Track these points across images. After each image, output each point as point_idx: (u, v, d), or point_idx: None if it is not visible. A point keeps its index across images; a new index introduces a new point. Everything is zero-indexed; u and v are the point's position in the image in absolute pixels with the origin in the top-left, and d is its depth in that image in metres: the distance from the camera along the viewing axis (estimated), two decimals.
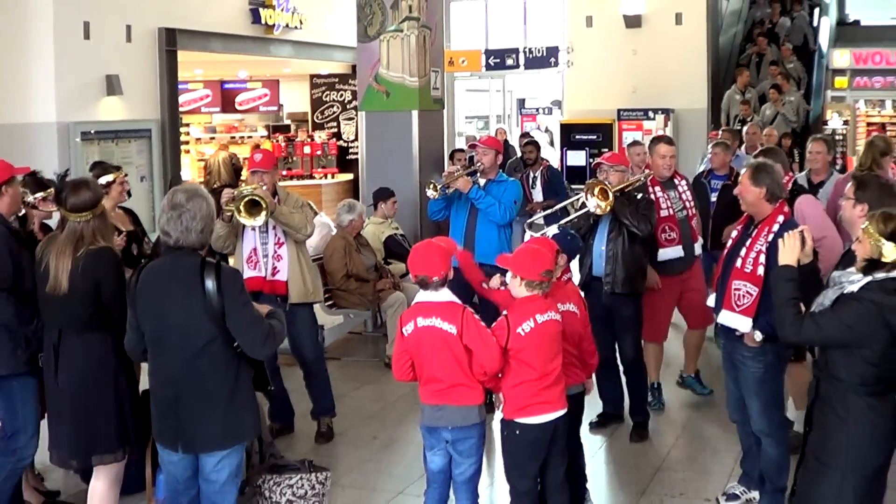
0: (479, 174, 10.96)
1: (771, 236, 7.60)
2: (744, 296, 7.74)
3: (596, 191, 9.59)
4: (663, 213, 10.42)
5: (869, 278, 5.99)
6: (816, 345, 6.26)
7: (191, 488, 6.66)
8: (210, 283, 6.22)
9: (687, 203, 10.72)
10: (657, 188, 10.48)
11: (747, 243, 7.81)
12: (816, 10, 28.98)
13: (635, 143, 12.86)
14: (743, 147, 15.46)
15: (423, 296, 7.01)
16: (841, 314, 6.00)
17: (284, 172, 24.22)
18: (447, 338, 6.84)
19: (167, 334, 6.37)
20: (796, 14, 28.14)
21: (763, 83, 23.18)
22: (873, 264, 6.02)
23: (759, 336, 7.70)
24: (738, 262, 7.80)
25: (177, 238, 6.30)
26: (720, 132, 15.30)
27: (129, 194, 9.95)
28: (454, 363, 6.87)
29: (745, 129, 17.14)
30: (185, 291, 6.28)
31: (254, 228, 9.54)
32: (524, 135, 20.66)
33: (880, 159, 10.42)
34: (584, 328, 7.91)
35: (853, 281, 6.06)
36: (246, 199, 9.11)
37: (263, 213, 9.06)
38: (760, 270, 7.62)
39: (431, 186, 10.80)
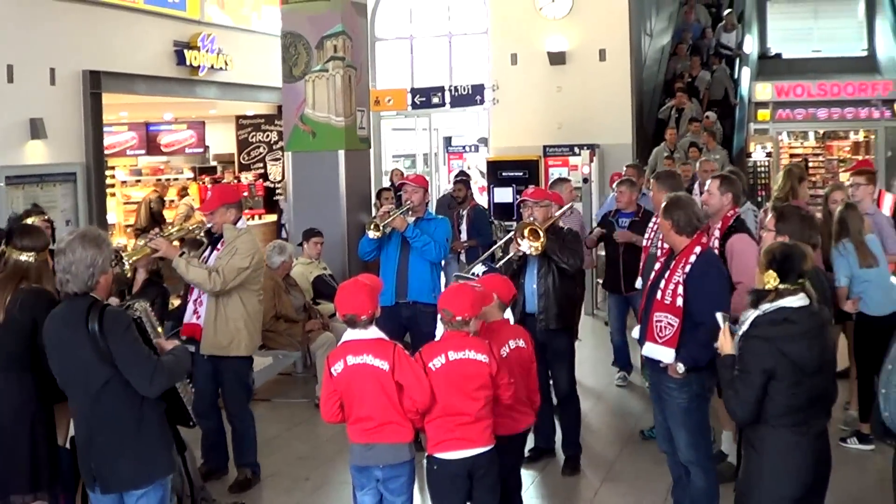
0: (409, 212, 10.98)
1: (688, 267, 7.72)
2: (665, 327, 7.82)
3: (526, 233, 9.65)
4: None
5: (758, 312, 6.18)
6: (754, 411, 6.16)
7: None
8: (94, 326, 6.24)
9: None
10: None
11: (666, 275, 7.90)
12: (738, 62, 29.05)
13: (561, 179, 12.94)
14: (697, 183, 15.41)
15: (351, 334, 7.02)
16: (742, 365, 6.19)
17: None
18: (379, 374, 6.86)
19: (70, 377, 6.41)
20: (716, 67, 27.81)
21: (683, 140, 23.06)
22: (759, 296, 6.24)
23: (681, 368, 7.78)
24: (659, 294, 7.89)
25: (66, 281, 6.36)
26: (624, 169, 15.29)
27: (53, 238, 9.89)
28: (385, 400, 6.89)
29: (698, 164, 17.16)
30: (77, 336, 6.29)
31: None
32: (460, 173, 20.76)
33: (798, 187, 10.55)
34: (531, 363, 7.97)
35: (745, 320, 6.25)
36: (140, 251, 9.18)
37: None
38: (679, 302, 7.71)
39: (373, 226, 10.77)
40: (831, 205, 11.01)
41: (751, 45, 30.00)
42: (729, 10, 30.80)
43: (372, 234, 10.78)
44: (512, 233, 9.97)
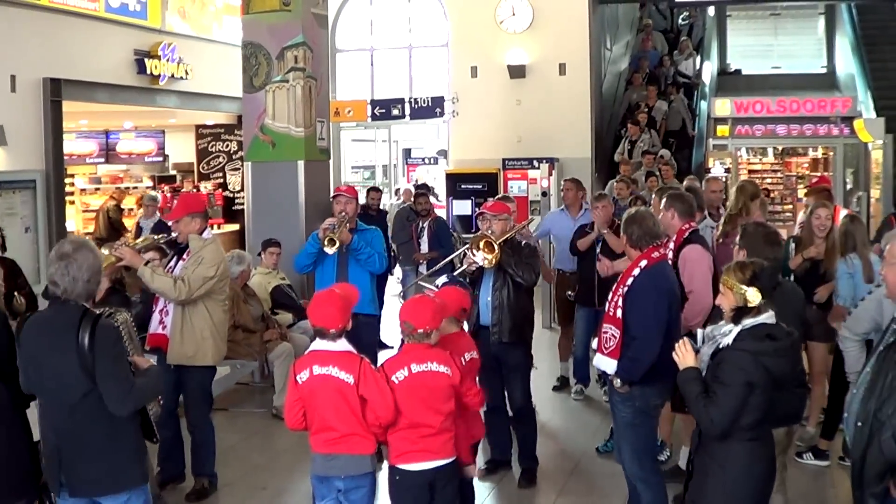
0: (346, 224, 11.02)
1: (630, 280, 7.83)
2: (609, 339, 7.91)
3: (481, 245, 9.69)
4: None
5: (739, 327, 6.26)
6: (730, 416, 6.19)
7: None
8: (84, 338, 6.25)
9: None
10: None
11: (614, 287, 7.99)
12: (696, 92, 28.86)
13: (504, 198, 12.99)
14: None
15: (319, 344, 7.03)
16: (724, 377, 6.22)
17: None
18: (343, 387, 6.87)
19: (46, 385, 6.39)
20: (673, 97, 27.21)
21: (638, 173, 22.68)
22: (740, 312, 6.31)
23: (618, 382, 7.86)
24: (606, 306, 8.00)
25: (64, 288, 6.34)
26: (562, 183, 15.24)
27: (4, 248, 9.86)
28: (348, 412, 6.89)
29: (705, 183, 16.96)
30: (61, 345, 6.29)
31: None
32: (420, 185, 20.76)
33: (750, 204, 10.59)
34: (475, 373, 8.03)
35: (725, 333, 6.35)
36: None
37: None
38: (619, 314, 7.78)
39: (329, 241, 10.75)
40: (815, 221, 11.07)
41: (709, 74, 29.87)
42: (685, 38, 30.89)
43: (331, 249, 10.76)
44: (467, 245, 10.01)
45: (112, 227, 22.33)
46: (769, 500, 6.57)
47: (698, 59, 30.25)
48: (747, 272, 6.39)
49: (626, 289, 7.83)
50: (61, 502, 6.59)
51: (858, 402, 5.78)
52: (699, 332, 6.88)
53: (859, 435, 5.69)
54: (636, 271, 7.82)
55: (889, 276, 5.94)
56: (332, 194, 11.68)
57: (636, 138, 24.69)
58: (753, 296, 6.28)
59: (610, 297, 8.00)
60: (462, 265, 10.25)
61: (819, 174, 26.82)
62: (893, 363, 5.60)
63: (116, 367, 6.40)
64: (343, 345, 7.02)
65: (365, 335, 10.73)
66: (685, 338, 6.69)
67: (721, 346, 6.37)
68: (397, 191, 27.26)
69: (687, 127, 26.77)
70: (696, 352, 6.57)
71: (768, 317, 6.35)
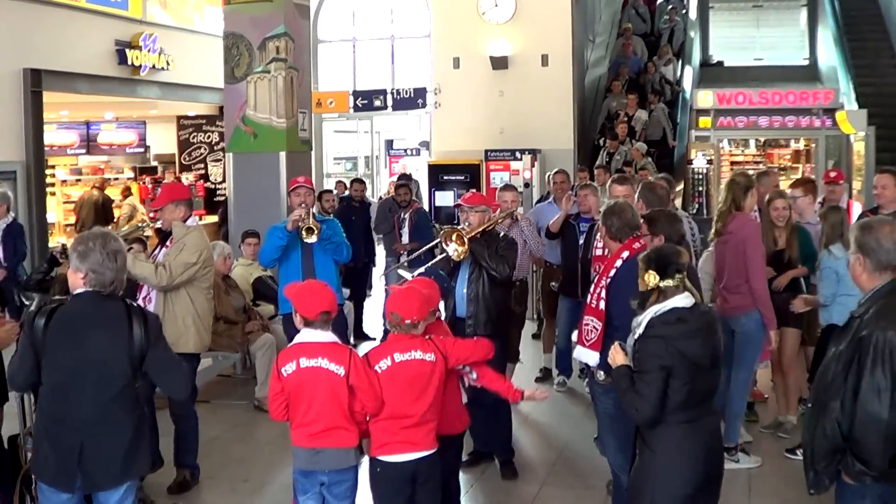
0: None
1: (612, 272, 7.80)
2: (591, 331, 7.89)
3: (453, 237, 9.67)
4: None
5: (650, 314, 6.34)
6: (657, 411, 6.23)
7: None
8: (138, 329, 6.33)
9: None
10: None
11: (595, 279, 7.97)
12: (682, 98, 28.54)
13: (508, 186, 12.92)
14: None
15: (306, 335, 6.95)
16: (641, 364, 6.31)
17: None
18: (333, 379, 6.80)
19: (80, 380, 6.31)
20: (654, 107, 26.76)
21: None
22: (643, 298, 6.44)
23: (601, 375, 7.84)
24: (588, 298, 7.96)
25: (112, 278, 6.38)
26: (553, 174, 15.17)
27: None
28: (335, 404, 6.84)
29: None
30: (110, 335, 6.33)
31: None
32: (402, 176, 20.73)
33: (742, 198, 10.50)
34: None
35: (639, 323, 6.39)
36: None
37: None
38: (602, 306, 7.76)
39: (307, 231, 10.73)
40: (773, 212, 11.07)
41: (689, 81, 29.45)
42: (665, 44, 30.40)
43: (311, 238, 10.75)
44: (440, 237, 10.00)
45: (99, 217, 22.27)
46: (717, 481, 6.59)
47: (679, 65, 29.87)
48: (644, 260, 6.49)
49: (608, 280, 7.81)
50: (54, 498, 6.47)
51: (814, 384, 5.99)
52: None
53: (809, 416, 5.87)
54: (618, 263, 7.80)
55: (852, 267, 5.96)
56: (289, 187, 11.61)
57: (614, 151, 24.54)
58: (652, 278, 6.35)
59: (592, 290, 7.97)
60: (439, 255, 10.24)
61: (801, 165, 26.94)
62: (843, 348, 5.69)
63: (170, 355, 6.63)
64: (330, 335, 6.97)
65: (335, 325, 10.74)
66: (617, 342, 6.73)
67: (636, 337, 6.43)
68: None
69: (668, 137, 26.52)
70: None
71: (681, 299, 6.36)
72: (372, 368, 6.96)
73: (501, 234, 10.25)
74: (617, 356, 6.57)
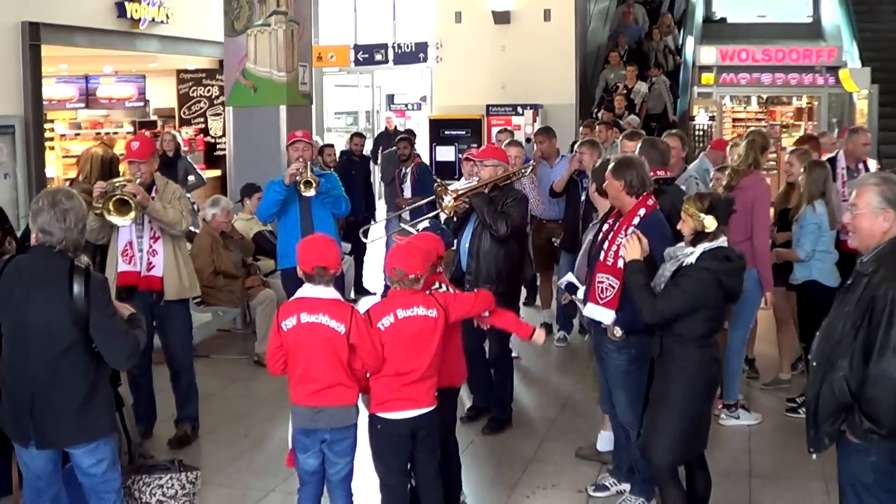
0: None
1: (630, 229, 7.67)
2: (606, 289, 7.82)
3: (444, 194, 9.67)
4: None
5: (700, 249, 7.02)
6: (669, 318, 7.04)
7: (53, 484, 6.65)
8: (77, 289, 6.20)
9: None
10: None
11: (610, 236, 7.88)
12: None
13: (513, 142, 12.84)
14: None
15: (308, 291, 6.90)
16: (685, 286, 6.96)
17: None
18: (333, 336, 6.76)
19: (26, 334, 6.28)
20: (655, 79, 25.30)
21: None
22: (699, 236, 7.07)
23: (618, 331, 7.80)
24: (602, 256, 7.87)
25: (60, 238, 6.27)
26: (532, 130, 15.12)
27: None
28: (335, 361, 6.81)
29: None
30: (50, 293, 6.22)
31: None
32: (404, 131, 20.65)
33: (760, 157, 10.44)
34: None
35: (687, 254, 7.08)
36: (114, 198, 8.90)
37: (133, 213, 8.84)
38: (621, 264, 7.68)
39: (305, 184, 10.66)
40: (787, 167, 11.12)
41: (690, 51, 28.57)
42: (665, 12, 29.31)
43: (310, 191, 10.68)
44: (435, 192, 9.98)
45: (105, 173, 22.18)
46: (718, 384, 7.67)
47: (680, 34, 28.92)
48: (705, 202, 7.09)
49: (626, 238, 7.73)
50: (24, 453, 6.52)
51: (817, 343, 5.99)
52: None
53: (813, 375, 5.92)
54: (636, 220, 7.70)
55: (861, 223, 5.87)
56: (287, 141, 11.52)
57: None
58: (710, 223, 7.01)
59: (606, 247, 7.88)
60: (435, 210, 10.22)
61: (803, 123, 26.92)
62: (851, 306, 5.70)
63: (114, 322, 6.39)
64: (332, 292, 6.92)
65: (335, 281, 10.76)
66: (637, 230, 7.47)
67: (684, 264, 7.04)
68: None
69: (668, 111, 25.44)
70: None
71: (723, 241, 7.11)
72: (374, 326, 6.92)
73: (510, 190, 10.12)
74: (635, 249, 7.25)
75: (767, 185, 10.71)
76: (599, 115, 23.32)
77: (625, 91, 24.36)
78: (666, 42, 27.75)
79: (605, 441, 9.43)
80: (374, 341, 6.86)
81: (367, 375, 7.08)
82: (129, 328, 6.47)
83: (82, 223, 6.40)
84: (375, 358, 6.89)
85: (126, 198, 8.82)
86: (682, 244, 7.23)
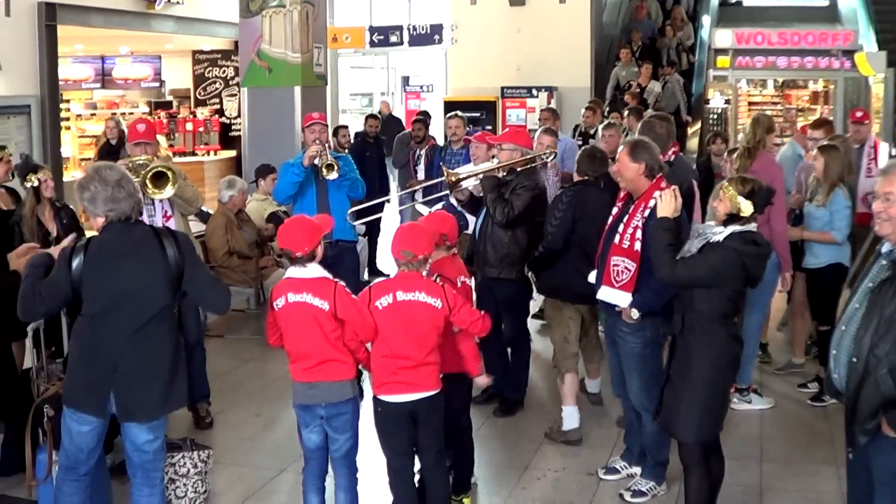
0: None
1: (647, 212, 7.68)
2: (622, 271, 7.84)
3: (451, 179, 9.73)
4: None
5: (730, 230, 7.03)
6: (685, 284, 7.09)
7: (91, 458, 6.71)
8: (171, 249, 6.43)
9: None
10: None
11: (625, 219, 7.87)
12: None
13: (548, 130, 12.84)
14: None
15: (293, 271, 6.98)
16: (709, 259, 6.99)
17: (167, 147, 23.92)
18: (318, 313, 6.84)
19: (119, 304, 6.36)
20: (668, 78, 24.25)
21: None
22: (732, 218, 7.08)
23: (635, 313, 7.80)
24: (617, 238, 7.89)
25: (130, 205, 6.44)
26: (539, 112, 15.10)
27: (12, 174, 9.77)
28: (324, 339, 6.88)
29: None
30: (143, 259, 6.41)
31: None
32: (420, 112, 20.66)
33: (765, 137, 10.45)
34: (469, 299, 8.03)
35: (716, 232, 7.08)
36: (153, 170, 8.83)
37: (169, 186, 8.76)
38: (637, 246, 7.71)
39: (327, 167, 10.59)
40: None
41: (704, 47, 27.64)
42: (675, 5, 28.19)
43: (332, 174, 10.59)
44: (444, 175, 9.98)
45: (108, 153, 22.23)
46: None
47: (691, 29, 27.66)
48: (747, 186, 7.11)
49: (643, 220, 7.73)
50: (75, 426, 6.54)
51: (850, 338, 5.75)
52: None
53: (853, 371, 5.70)
54: (652, 202, 7.66)
55: (894, 212, 5.75)
56: (304, 123, 11.45)
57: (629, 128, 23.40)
58: (747, 207, 7.04)
59: (621, 230, 7.88)
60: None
61: (819, 107, 26.84)
62: (888, 299, 5.56)
63: (207, 272, 6.80)
64: (315, 270, 6.96)
65: (348, 260, 10.78)
66: (675, 187, 7.40)
67: (711, 241, 7.03)
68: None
69: (681, 111, 24.19)
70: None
71: (753, 227, 7.12)
72: (372, 304, 6.98)
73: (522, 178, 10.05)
74: (668, 206, 7.18)
75: (779, 165, 10.71)
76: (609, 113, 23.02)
77: (638, 90, 23.60)
78: (679, 38, 26.88)
79: (569, 419, 9.47)
80: (362, 312, 6.93)
81: (368, 347, 7.17)
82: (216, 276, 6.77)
83: (135, 186, 6.60)
84: (367, 328, 6.95)
85: (162, 170, 8.76)
86: (712, 222, 7.28)
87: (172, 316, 6.55)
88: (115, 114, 24.37)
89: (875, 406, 5.56)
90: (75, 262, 6.36)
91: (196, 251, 6.72)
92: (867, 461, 5.75)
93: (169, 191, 8.73)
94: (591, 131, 16.40)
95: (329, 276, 7.01)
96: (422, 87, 31.37)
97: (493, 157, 10.07)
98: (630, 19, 28.14)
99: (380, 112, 25.41)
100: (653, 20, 27.80)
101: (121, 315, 6.35)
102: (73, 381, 6.57)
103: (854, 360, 5.68)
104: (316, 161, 10.62)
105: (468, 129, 14.30)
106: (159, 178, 8.68)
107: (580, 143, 15.47)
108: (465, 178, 9.86)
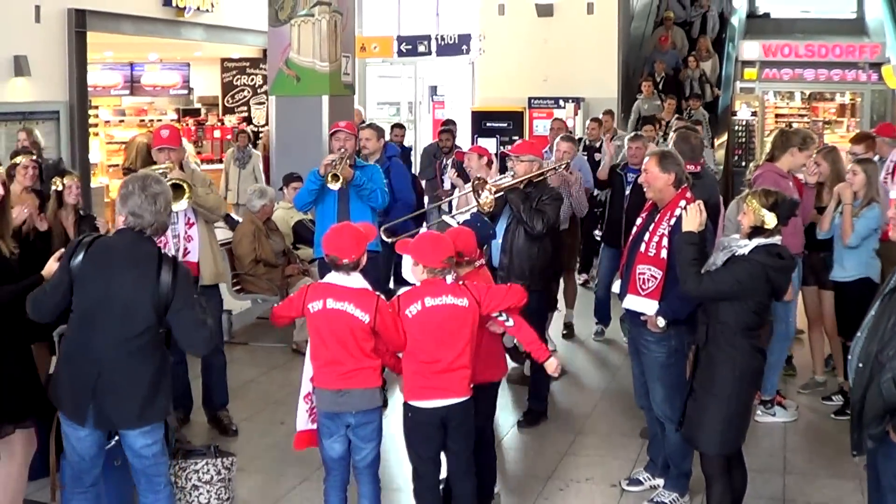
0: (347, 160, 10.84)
1: (673, 220, 7.72)
2: (648, 279, 7.87)
3: (480, 189, 9.67)
4: None
5: (755, 243, 7.09)
6: (710, 298, 7.19)
7: (95, 467, 6.74)
8: (165, 276, 6.36)
9: None
10: None
11: (651, 228, 7.91)
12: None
13: (567, 137, 12.86)
14: None
15: (335, 277, 6.97)
16: (734, 272, 7.06)
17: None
18: (357, 324, 6.83)
19: (104, 312, 6.37)
20: (694, 112, 22.44)
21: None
22: (756, 231, 7.15)
23: (661, 322, 7.81)
24: (643, 247, 7.93)
25: (151, 221, 6.43)
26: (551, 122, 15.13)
27: (41, 179, 9.83)
28: (357, 349, 6.88)
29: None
30: (137, 275, 6.36)
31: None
32: (446, 122, 20.67)
33: (778, 152, 10.33)
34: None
35: (741, 245, 7.15)
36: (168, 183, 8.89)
37: (185, 199, 8.82)
38: (664, 254, 7.75)
39: (332, 177, 10.55)
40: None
41: (730, 86, 26.61)
42: (702, 35, 27.18)
43: (335, 184, 10.53)
44: (472, 185, 9.96)
45: (151, 159, 22.31)
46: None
47: (717, 60, 26.56)
48: (770, 199, 7.17)
49: (669, 228, 7.77)
50: (72, 432, 6.57)
51: (861, 344, 5.88)
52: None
53: (859, 376, 5.83)
54: (678, 211, 7.70)
55: None
56: (329, 131, 11.45)
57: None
58: (771, 219, 7.10)
59: (647, 239, 7.92)
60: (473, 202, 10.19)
61: (846, 119, 26.78)
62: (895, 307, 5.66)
63: (196, 314, 6.53)
64: (358, 280, 6.97)
65: (371, 270, 10.76)
66: (700, 202, 7.52)
67: (736, 254, 7.12)
68: None
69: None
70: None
71: (777, 239, 7.18)
72: (402, 313, 6.99)
73: (546, 188, 10.07)
74: (693, 220, 7.31)
75: (776, 177, 10.56)
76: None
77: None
78: (703, 69, 25.60)
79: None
80: (398, 326, 6.96)
81: (400, 356, 7.20)
82: (205, 318, 6.60)
83: (170, 207, 6.61)
84: (399, 341, 7.00)
85: (179, 182, 8.82)
86: (737, 235, 7.38)
87: (158, 336, 6.51)
88: (142, 120, 24.50)
89: (879, 411, 5.65)
90: (78, 256, 6.42)
91: (192, 289, 6.69)
92: (875, 464, 5.93)
93: (183, 204, 8.81)
94: (597, 144, 16.43)
95: (370, 287, 7.04)
96: (442, 95, 31.38)
97: (513, 169, 10.06)
98: (653, 49, 27.20)
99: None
100: (677, 50, 26.95)
101: (106, 325, 6.36)
102: (60, 381, 6.63)
103: (860, 365, 5.82)
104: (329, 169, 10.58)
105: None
106: (174, 191, 8.76)
107: (585, 155, 15.49)
108: (506, 188, 9.83)
